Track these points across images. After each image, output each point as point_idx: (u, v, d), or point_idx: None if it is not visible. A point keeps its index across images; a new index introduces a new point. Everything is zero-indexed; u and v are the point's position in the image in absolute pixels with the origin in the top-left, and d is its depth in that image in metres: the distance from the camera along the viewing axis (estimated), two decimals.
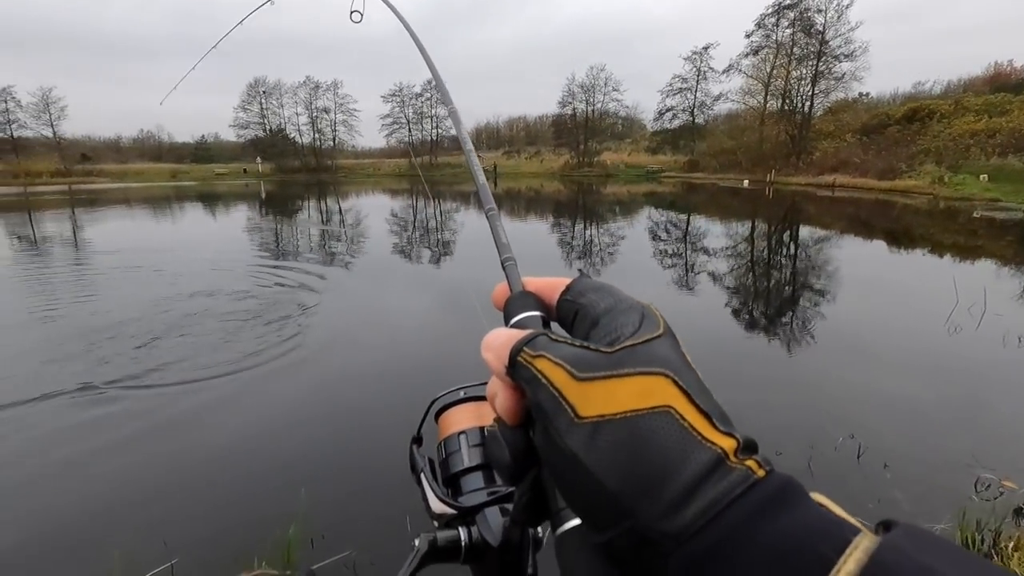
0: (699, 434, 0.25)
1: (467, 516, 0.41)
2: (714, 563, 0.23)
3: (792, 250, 11.79)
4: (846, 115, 42.54)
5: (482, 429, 0.45)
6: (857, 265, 9.76)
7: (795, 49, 42.45)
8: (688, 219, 18.22)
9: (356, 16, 1.17)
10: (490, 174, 60.84)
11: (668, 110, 56.88)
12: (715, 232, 14.43)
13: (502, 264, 0.41)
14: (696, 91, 54.03)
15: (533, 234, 14.27)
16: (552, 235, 14.01)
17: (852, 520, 0.22)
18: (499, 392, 0.32)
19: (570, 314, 0.34)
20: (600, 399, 0.26)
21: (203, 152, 78.52)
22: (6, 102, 60.81)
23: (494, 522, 0.40)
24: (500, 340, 0.32)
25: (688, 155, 53.60)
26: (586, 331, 0.31)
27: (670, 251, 11.21)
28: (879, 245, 12.42)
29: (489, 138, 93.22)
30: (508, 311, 0.37)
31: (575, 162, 61.82)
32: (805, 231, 14.98)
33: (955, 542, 0.19)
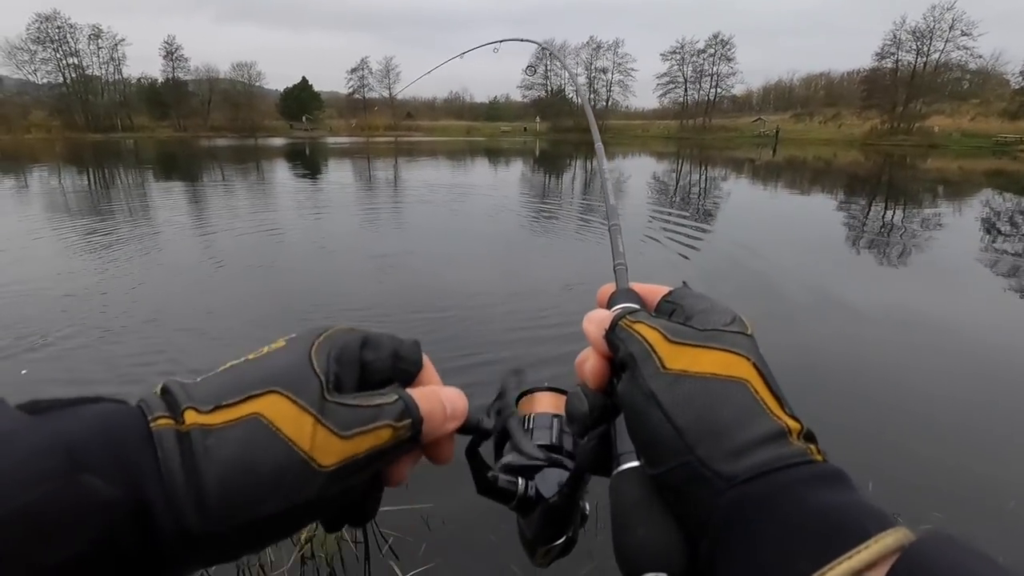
0: (769, 409, 0.29)
1: (529, 472, 0.43)
2: (761, 510, 0.25)
3: None
4: None
5: (562, 417, 0.47)
6: None
7: None
8: None
9: (495, 49, 1.46)
10: (770, 139, 54.28)
11: None
12: None
13: (614, 268, 0.48)
14: None
15: (809, 211, 12.40)
16: (836, 214, 11.89)
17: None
18: (589, 359, 0.37)
19: (668, 312, 0.37)
20: (686, 359, 0.31)
21: (493, 111, 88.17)
22: (363, 70, 77.67)
23: (551, 482, 0.42)
24: (602, 314, 0.37)
25: None
26: (682, 322, 0.34)
27: (1012, 250, 8.51)
28: None
29: (778, 98, 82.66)
30: (611, 302, 0.41)
31: (886, 128, 50.73)
32: None
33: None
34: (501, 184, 17.97)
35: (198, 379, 0.30)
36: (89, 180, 17.62)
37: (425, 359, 0.37)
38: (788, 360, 4.19)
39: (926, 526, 0.22)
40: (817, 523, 0.24)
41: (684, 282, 0.40)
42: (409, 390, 0.34)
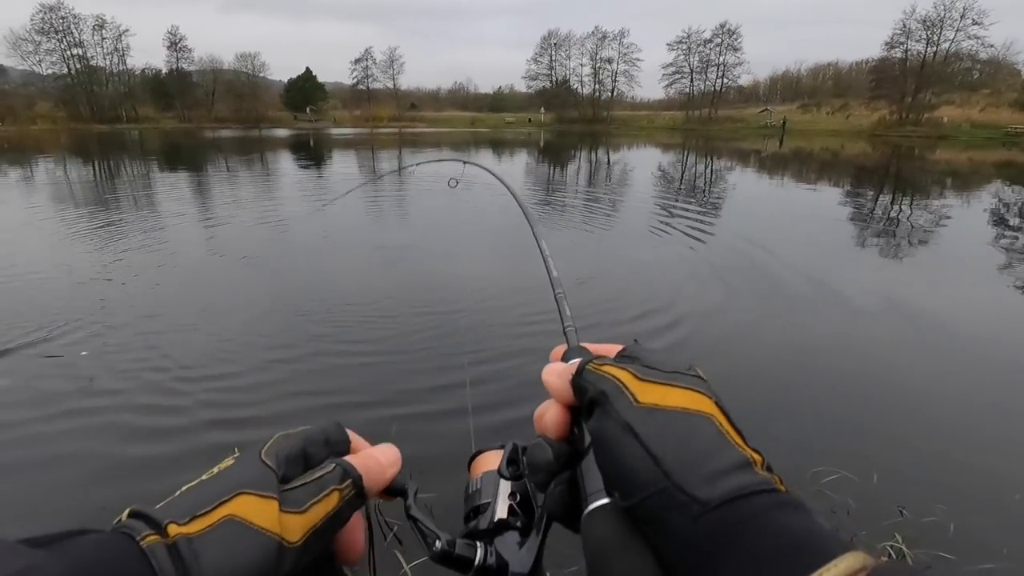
0: (735, 441, 0.31)
1: (488, 536, 0.43)
2: (735, 535, 0.27)
3: None
4: None
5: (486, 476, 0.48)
6: None
7: None
8: None
9: (452, 183, 1.53)
10: (776, 130, 53.85)
11: None
12: None
13: (564, 330, 0.52)
14: None
15: (816, 204, 12.30)
16: (843, 208, 11.78)
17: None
18: (550, 409, 0.39)
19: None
20: (656, 395, 0.33)
21: (497, 102, 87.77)
22: (367, 60, 77.36)
23: (511, 547, 0.42)
24: (562, 366, 0.40)
25: None
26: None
27: (1020, 243, 8.43)
28: None
29: (785, 89, 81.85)
30: (566, 358, 0.43)
31: (894, 118, 50.21)
32: None
33: None
34: (506, 175, 17.61)
35: (159, 505, 0.33)
36: (94, 171, 17.68)
37: (350, 433, 0.43)
38: (791, 357, 4.18)
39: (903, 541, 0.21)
40: (787, 546, 0.26)
41: (635, 340, 0.42)
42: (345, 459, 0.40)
